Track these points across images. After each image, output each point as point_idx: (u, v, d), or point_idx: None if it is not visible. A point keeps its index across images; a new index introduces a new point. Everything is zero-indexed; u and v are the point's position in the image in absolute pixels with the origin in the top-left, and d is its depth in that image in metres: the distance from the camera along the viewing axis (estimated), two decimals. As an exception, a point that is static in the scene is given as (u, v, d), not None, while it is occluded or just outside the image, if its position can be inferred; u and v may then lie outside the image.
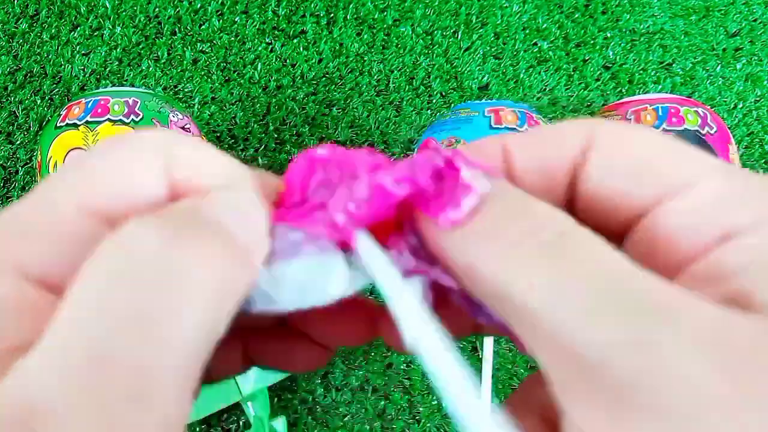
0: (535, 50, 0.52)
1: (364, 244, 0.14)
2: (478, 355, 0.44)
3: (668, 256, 0.12)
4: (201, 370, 0.11)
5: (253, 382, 0.40)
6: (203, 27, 0.51)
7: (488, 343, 0.42)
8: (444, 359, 0.12)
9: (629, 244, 0.13)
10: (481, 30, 0.52)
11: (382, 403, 0.43)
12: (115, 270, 0.11)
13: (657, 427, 0.10)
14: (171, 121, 0.40)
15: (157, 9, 0.52)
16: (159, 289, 0.11)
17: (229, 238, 0.12)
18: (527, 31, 0.52)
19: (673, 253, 0.12)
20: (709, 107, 0.41)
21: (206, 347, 0.11)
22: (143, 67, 0.50)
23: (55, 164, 0.37)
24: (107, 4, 0.52)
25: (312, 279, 0.14)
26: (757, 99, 0.51)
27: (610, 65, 0.52)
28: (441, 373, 0.12)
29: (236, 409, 0.43)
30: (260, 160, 0.48)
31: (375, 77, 0.51)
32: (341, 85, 0.50)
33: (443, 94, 0.50)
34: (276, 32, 0.52)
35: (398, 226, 0.15)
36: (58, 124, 0.38)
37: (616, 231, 0.13)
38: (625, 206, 0.13)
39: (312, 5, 0.52)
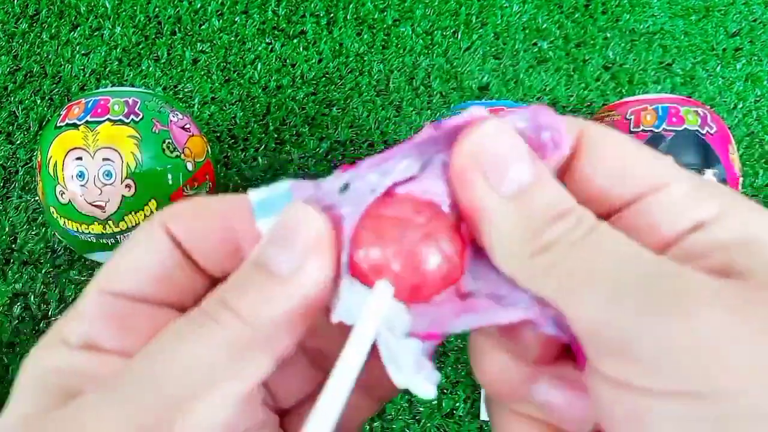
0: (535, 50, 0.52)
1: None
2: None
3: (649, 241, 0.14)
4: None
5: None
6: (203, 27, 0.51)
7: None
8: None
9: (616, 224, 0.15)
10: (481, 30, 0.52)
11: (382, 403, 0.43)
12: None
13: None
14: (171, 121, 0.40)
15: (157, 9, 0.52)
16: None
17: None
18: (527, 31, 0.52)
19: (654, 238, 0.14)
20: (709, 107, 0.41)
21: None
22: (143, 67, 0.50)
23: (55, 164, 0.37)
24: (107, 4, 0.52)
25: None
26: (757, 99, 0.51)
27: (610, 65, 0.52)
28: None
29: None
30: (260, 160, 0.48)
31: (375, 77, 0.51)
32: (341, 85, 0.50)
33: (443, 94, 0.50)
34: (276, 32, 0.52)
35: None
36: (58, 124, 0.38)
37: (605, 211, 0.15)
38: (610, 199, 0.15)
39: (312, 5, 0.52)
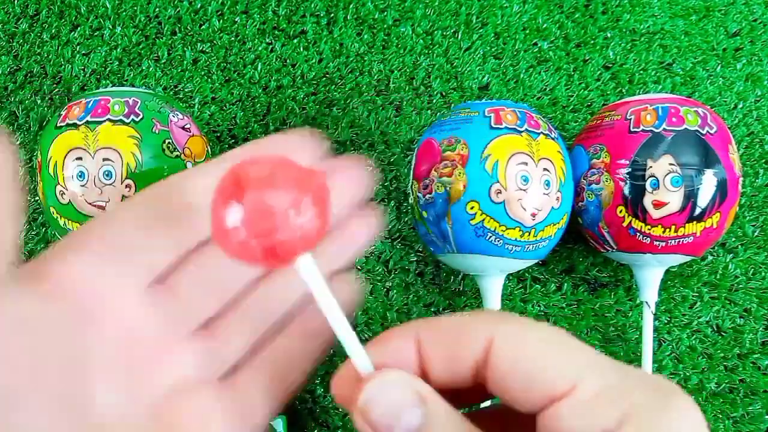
0: (535, 50, 0.52)
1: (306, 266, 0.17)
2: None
3: None
4: None
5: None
6: (203, 27, 0.52)
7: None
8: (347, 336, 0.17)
9: (539, 428, 0.16)
10: (481, 30, 0.52)
11: (382, 403, 0.43)
12: None
13: None
14: (171, 121, 0.40)
15: (157, 9, 0.52)
16: None
17: None
18: (527, 31, 0.52)
19: None
20: (709, 107, 0.41)
21: None
22: (143, 67, 0.50)
23: (55, 164, 0.37)
24: (107, 4, 0.52)
25: None
26: (757, 99, 0.51)
27: (610, 65, 0.52)
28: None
29: (236, 409, 0.43)
30: (260, 160, 0.48)
31: (375, 77, 0.51)
32: (341, 85, 0.50)
33: (443, 94, 0.50)
34: (276, 32, 0.52)
35: None
36: (58, 124, 0.38)
37: (530, 410, 0.16)
38: (521, 404, 0.16)
39: (312, 5, 0.52)
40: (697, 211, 0.38)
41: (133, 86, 0.50)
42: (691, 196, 0.38)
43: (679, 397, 0.15)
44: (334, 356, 0.44)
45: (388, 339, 0.18)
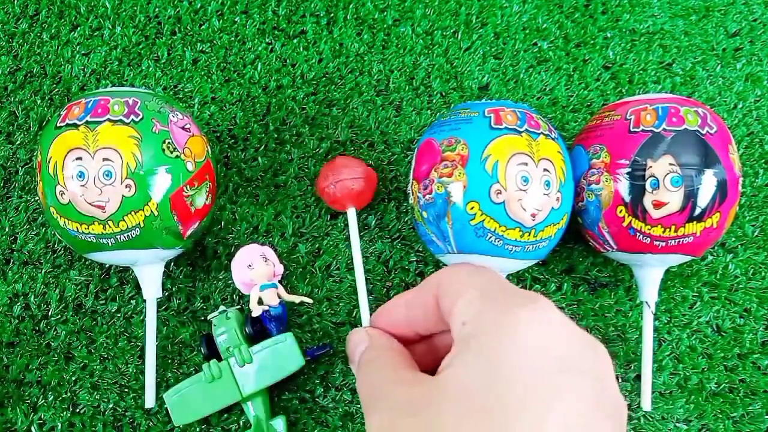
0: (535, 50, 0.52)
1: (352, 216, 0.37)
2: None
3: (456, 330, 0.25)
4: None
5: (254, 382, 0.40)
6: (203, 27, 0.51)
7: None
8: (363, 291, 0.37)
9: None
10: (481, 30, 0.52)
11: (382, 403, 0.43)
12: None
13: None
14: (171, 121, 0.39)
15: (157, 9, 0.52)
16: None
17: None
18: (527, 31, 0.52)
19: (455, 328, 0.25)
20: (709, 107, 0.41)
21: None
22: (143, 67, 0.50)
23: (55, 164, 0.37)
24: (107, 4, 0.52)
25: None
26: (757, 99, 0.51)
27: (610, 65, 0.52)
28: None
29: (236, 409, 0.43)
30: (260, 160, 0.48)
31: (375, 77, 0.51)
32: (341, 85, 0.50)
33: (443, 94, 0.50)
34: (276, 32, 0.52)
35: None
36: (58, 124, 0.38)
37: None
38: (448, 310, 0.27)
39: (312, 5, 0.52)
40: (697, 211, 0.38)
41: (133, 86, 0.50)
42: (691, 196, 0.38)
43: (527, 304, 0.23)
44: (333, 356, 0.44)
45: (386, 308, 0.31)
